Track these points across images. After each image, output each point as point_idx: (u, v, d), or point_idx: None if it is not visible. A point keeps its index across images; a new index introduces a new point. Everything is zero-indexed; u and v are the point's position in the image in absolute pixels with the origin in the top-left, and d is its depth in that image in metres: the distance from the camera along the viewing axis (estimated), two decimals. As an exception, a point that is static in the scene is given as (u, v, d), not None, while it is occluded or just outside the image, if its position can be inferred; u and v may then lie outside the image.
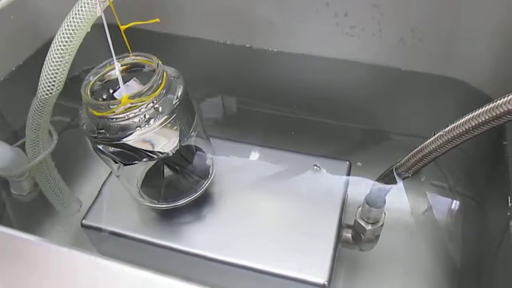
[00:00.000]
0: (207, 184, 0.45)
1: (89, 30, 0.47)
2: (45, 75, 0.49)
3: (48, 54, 0.49)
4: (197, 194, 0.44)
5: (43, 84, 0.50)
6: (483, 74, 0.57)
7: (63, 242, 0.46)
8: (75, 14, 0.46)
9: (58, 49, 0.47)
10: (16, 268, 0.30)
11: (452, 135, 0.31)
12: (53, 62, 0.48)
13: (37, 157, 0.51)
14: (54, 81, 0.49)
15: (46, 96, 0.50)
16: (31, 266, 0.30)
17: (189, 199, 0.44)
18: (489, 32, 0.54)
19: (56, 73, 0.49)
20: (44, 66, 0.49)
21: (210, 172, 0.45)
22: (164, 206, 0.44)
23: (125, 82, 0.38)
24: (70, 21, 0.46)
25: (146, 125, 0.35)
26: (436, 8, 0.54)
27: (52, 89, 0.50)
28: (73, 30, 0.46)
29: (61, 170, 0.54)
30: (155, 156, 0.37)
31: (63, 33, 0.47)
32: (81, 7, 0.45)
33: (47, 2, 0.65)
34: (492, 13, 0.52)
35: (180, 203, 0.43)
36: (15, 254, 0.30)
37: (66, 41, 0.47)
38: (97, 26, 0.37)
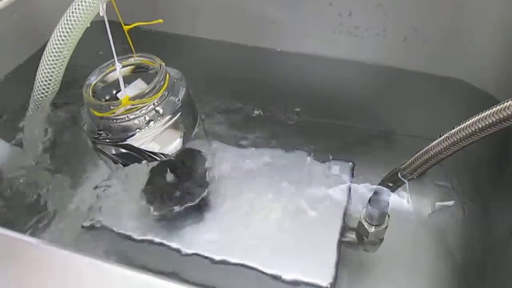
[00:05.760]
0: (209, 187, 0.44)
1: (89, 25, 0.47)
2: (42, 70, 0.48)
3: (46, 48, 0.48)
4: (199, 196, 0.44)
5: (40, 79, 0.48)
6: (486, 74, 0.57)
7: (64, 244, 0.45)
8: (75, 8, 0.45)
9: (56, 43, 0.47)
10: (17, 270, 0.29)
11: (458, 137, 0.31)
12: (50, 56, 0.47)
13: (33, 155, 0.51)
14: (51, 75, 0.48)
15: (42, 93, 0.50)
16: (32, 269, 0.29)
17: (190, 201, 0.43)
18: (492, 32, 0.53)
19: (54, 67, 0.48)
20: (41, 61, 0.48)
21: (212, 174, 0.45)
22: (165, 208, 0.43)
23: (130, 83, 0.38)
24: (69, 16, 0.45)
25: (146, 127, 0.35)
26: (440, 8, 0.54)
27: (49, 85, 0.49)
28: (72, 24, 0.45)
29: (62, 171, 0.54)
30: (157, 158, 0.37)
31: (62, 28, 0.46)
32: (81, 1, 0.45)
33: (49, 0, 0.64)
34: (495, 13, 0.52)
35: (181, 205, 0.43)
36: (16, 257, 0.30)
37: (65, 36, 0.46)
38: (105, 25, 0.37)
